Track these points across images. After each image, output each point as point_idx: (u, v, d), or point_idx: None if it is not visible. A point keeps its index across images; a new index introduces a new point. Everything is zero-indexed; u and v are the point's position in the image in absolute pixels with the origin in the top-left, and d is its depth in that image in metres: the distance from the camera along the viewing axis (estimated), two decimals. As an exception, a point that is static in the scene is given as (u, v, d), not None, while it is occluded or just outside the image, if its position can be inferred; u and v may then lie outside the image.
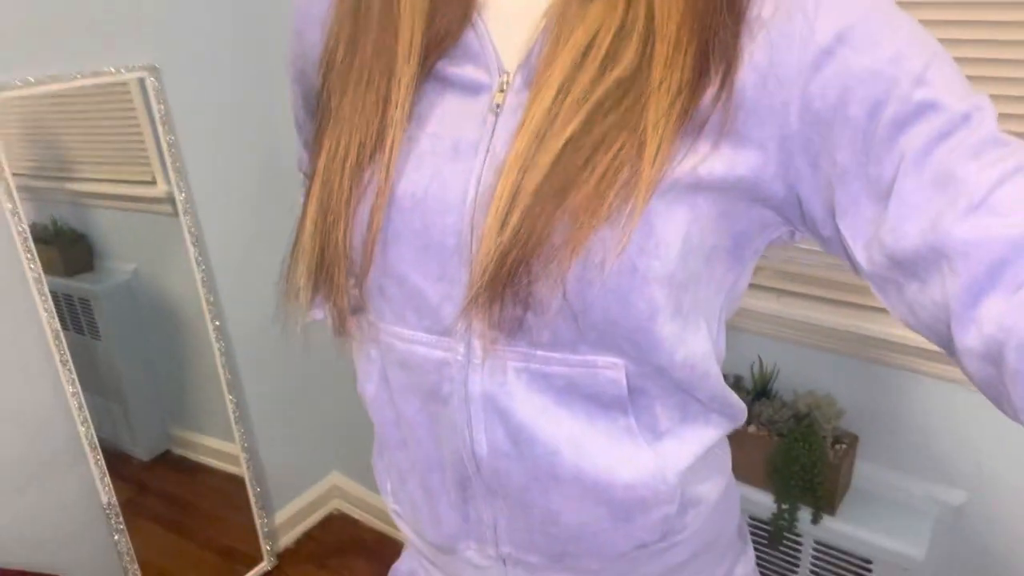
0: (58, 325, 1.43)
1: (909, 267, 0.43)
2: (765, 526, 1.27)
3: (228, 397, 1.78)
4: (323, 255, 0.54)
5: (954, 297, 0.40)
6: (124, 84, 1.48)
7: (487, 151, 0.50)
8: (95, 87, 1.44)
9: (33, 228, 1.37)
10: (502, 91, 0.51)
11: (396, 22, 0.52)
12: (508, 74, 0.51)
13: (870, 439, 1.27)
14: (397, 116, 0.51)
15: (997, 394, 0.41)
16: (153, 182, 1.58)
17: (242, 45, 1.63)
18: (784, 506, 1.22)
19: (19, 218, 1.35)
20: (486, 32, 0.52)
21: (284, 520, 2.07)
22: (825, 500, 1.19)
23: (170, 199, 1.60)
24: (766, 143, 0.47)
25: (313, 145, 0.57)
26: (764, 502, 1.25)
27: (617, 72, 0.46)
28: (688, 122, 0.46)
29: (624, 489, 0.54)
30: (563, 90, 0.47)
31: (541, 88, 0.48)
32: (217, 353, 1.74)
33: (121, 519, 1.60)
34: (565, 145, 0.46)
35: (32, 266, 1.38)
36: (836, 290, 1.24)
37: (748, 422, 1.28)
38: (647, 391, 0.53)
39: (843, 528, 1.19)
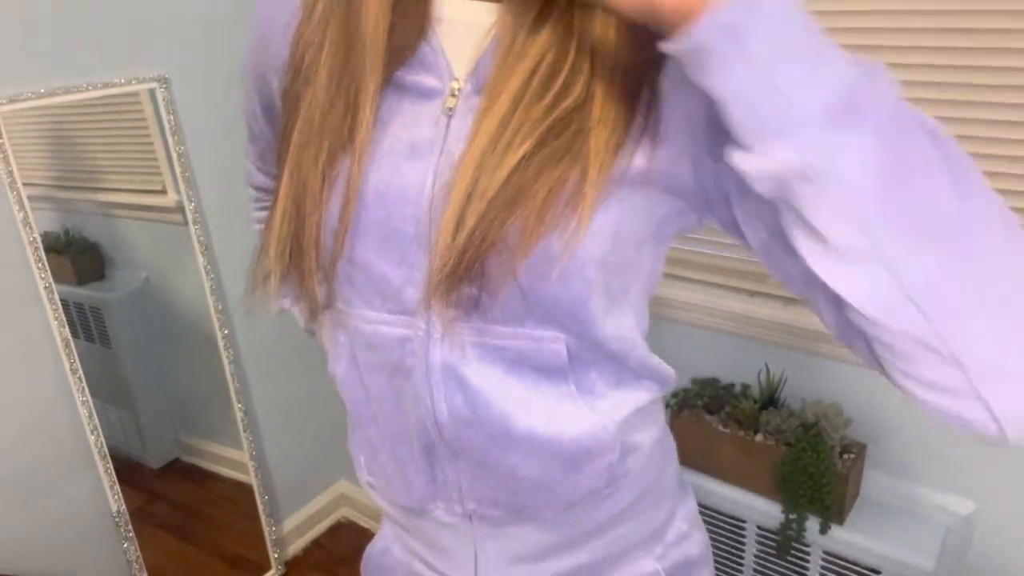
0: (68, 334, 1.44)
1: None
2: (773, 536, 1.26)
3: (237, 405, 1.79)
4: (296, 243, 0.59)
5: None
6: (134, 95, 1.50)
7: (441, 150, 0.57)
8: (106, 98, 1.46)
9: (44, 237, 1.39)
10: (454, 96, 0.57)
11: (362, 35, 0.57)
12: (458, 81, 0.57)
13: (879, 448, 1.27)
14: (365, 120, 0.57)
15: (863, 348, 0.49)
16: (163, 192, 1.59)
17: (251, 56, 1.65)
18: (792, 516, 1.22)
19: (30, 227, 1.36)
20: (439, 45, 0.58)
21: (292, 528, 2.07)
22: (833, 510, 1.19)
23: (180, 208, 1.61)
24: (683, 148, 0.54)
25: (280, 144, 0.62)
26: (772, 512, 1.25)
27: (566, 104, 0.53)
28: (624, 147, 0.54)
29: (572, 442, 0.61)
30: (516, 107, 0.53)
31: (494, 100, 0.54)
32: (226, 361, 1.75)
33: (130, 527, 1.61)
34: (519, 161, 0.52)
35: (43, 275, 1.39)
36: (844, 299, 1.24)
37: (756, 431, 1.28)
38: (585, 361, 0.61)
39: (852, 538, 1.18)
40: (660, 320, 1.45)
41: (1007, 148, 1.04)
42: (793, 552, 1.26)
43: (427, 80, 0.58)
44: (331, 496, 2.20)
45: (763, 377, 1.34)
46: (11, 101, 1.31)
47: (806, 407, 1.27)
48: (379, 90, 0.57)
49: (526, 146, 0.52)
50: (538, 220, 0.52)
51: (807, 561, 1.25)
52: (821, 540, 1.21)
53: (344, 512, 2.24)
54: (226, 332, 1.73)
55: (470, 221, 0.53)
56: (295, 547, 2.09)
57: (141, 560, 1.64)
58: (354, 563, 2.06)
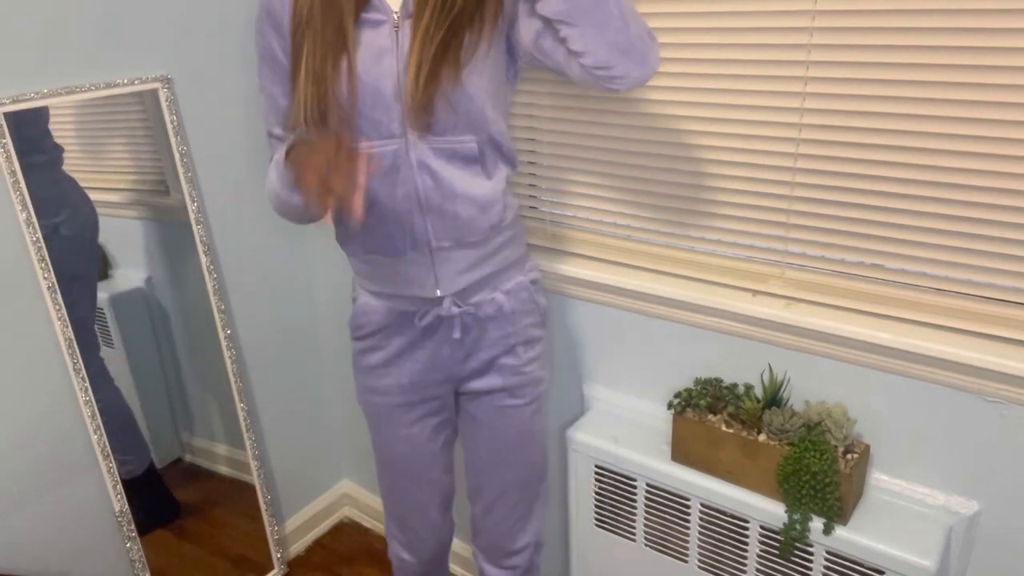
0: (71, 333, 1.44)
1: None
2: (776, 536, 1.26)
3: (239, 405, 1.79)
4: (320, 109, 1.06)
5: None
6: (138, 95, 1.50)
7: (397, 48, 1.08)
8: (109, 98, 1.46)
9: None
10: (395, 21, 1.08)
11: (340, 4, 1.07)
12: (396, 14, 1.08)
13: (882, 448, 1.27)
14: (351, 39, 1.07)
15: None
16: (166, 192, 1.59)
17: (253, 56, 1.65)
18: (795, 516, 1.22)
19: (33, 227, 1.36)
20: None
21: (295, 528, 2.08)
22: (837, 510, 1.19)
23: (183, 208, 1.61)
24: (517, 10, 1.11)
25: (293, 66, 1.10)
26: (775, 512, 1.25)
27: (457, 9, 1.05)
28: (496, 18, 1.10)
29: (482, 197, 1.15)
30: (433, 18, 1.04)
31: (420, 18, 1.05)
32: (228, 361, 1.75)
33: (133, 526, 1.61)
34: (440, 42, 1.05)
35: (46, 275, 1.39)
36: (847, 298, 1.24)
37: (759, 431, 1.28)
38: (484, 153, 1.14)
39: (855, 538, 1.18)
40: (662, 320, 1.45)
41: (1010, 148, 1.04)
42: (796, 552, 1.26)
43: (378, 16, 1.08)
44: (333, 496, 2.20)
45: (766, 377, 1.34)
46: (15, 101, 1.32)
47: (809, 407, 1.26)
48: (354, 23, 1.07)
49: (441, 34, 1.04)
50: (456, 67, 1.06)
51: (810, 561, 1.24)
52: (824, 540, 1.21)
53: (346, 512, 2.24)
54: (228, 332, 1.73)
55: (423, 81, 1.05)
56: (297, 547, 2.09)
57: (144, 559, 1.64)
58: (356, 563, 2.06)
